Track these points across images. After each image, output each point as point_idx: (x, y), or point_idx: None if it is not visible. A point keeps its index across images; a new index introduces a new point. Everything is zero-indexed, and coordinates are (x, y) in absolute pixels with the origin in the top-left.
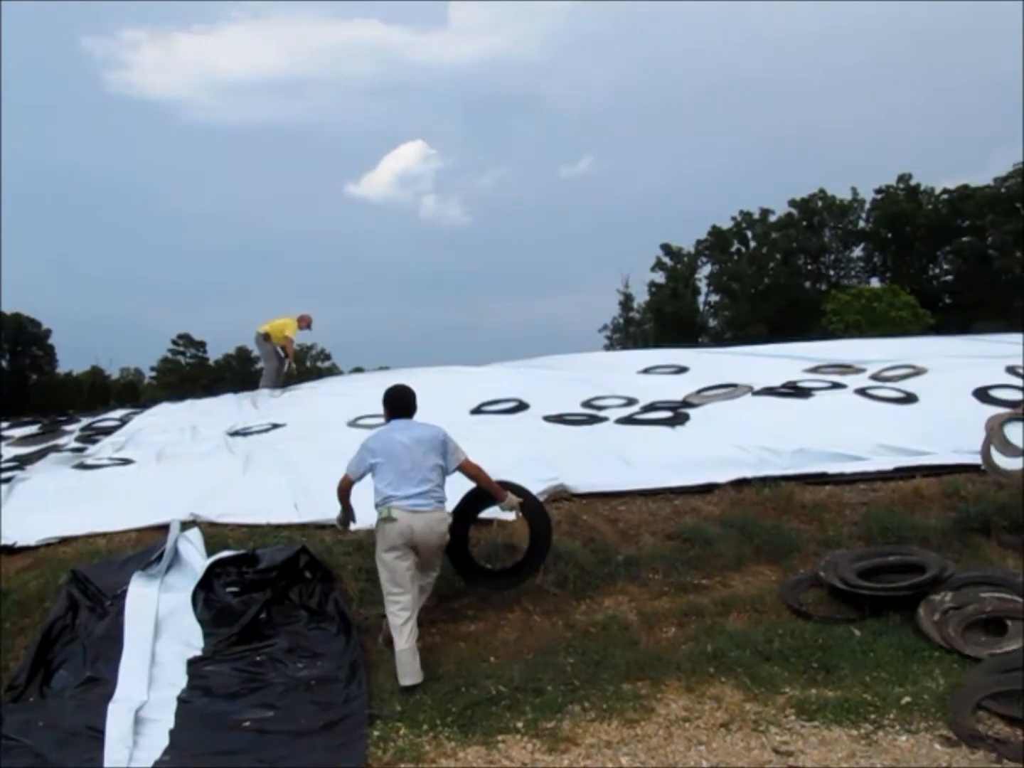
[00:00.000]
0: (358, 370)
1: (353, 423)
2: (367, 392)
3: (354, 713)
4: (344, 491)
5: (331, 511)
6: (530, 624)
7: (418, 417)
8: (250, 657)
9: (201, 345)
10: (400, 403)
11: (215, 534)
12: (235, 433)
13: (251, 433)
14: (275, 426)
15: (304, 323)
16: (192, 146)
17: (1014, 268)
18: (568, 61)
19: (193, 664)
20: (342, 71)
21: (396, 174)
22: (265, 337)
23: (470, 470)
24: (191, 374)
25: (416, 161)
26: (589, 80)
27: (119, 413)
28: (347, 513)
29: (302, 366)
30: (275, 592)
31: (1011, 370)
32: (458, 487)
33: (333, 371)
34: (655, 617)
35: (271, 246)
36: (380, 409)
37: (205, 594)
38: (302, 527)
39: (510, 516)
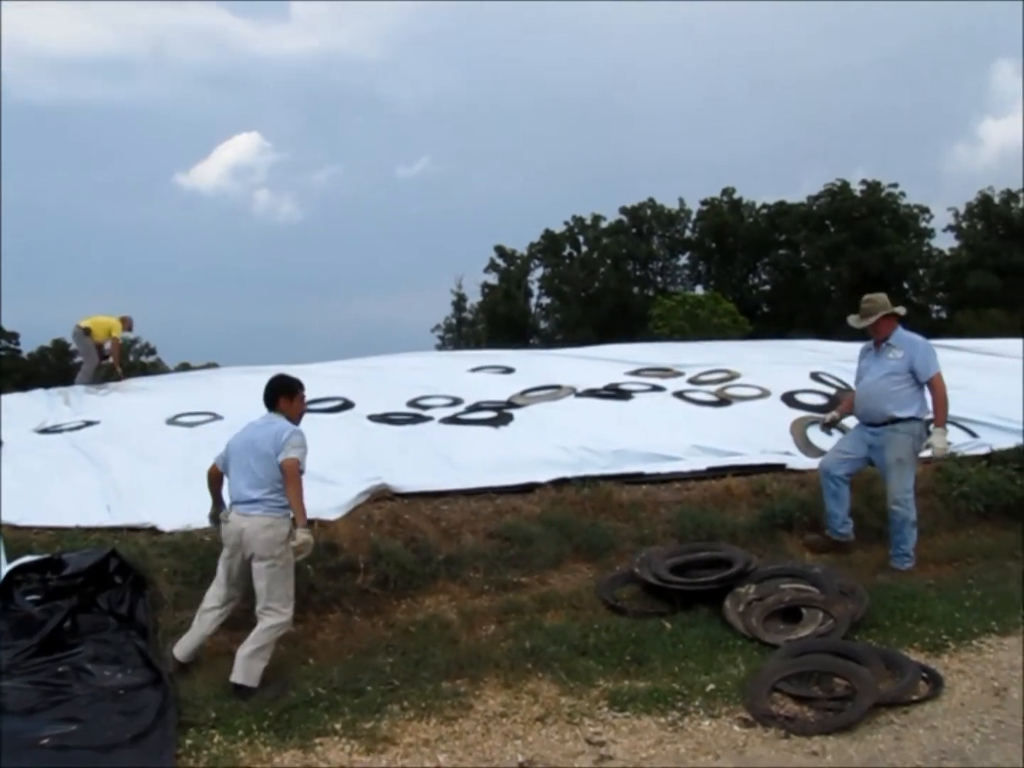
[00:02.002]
0: (185, 367)
1: (172, 421)
2: (189, 389)
3: (165, 722)
4: (209, 480)
5: (147, 513)
6: (350, 625)
7: (248, 416)
8: (51, 669)
9: (13, 336)
10: (264, 396)
11: (17, 538)
12: (44, 431)
13: (62, 431)
14: (88, 424)
15: (127, 325)
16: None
17: (824, 281)
18: (408, 61)
19: None
20: (174, 55)
21: (229, 166)
22: (86, 332)
23: (286, 471)
24: (1, 368)
25: (250, 153)
26: (428, 81)
27: None
28: (214, 506)
29: (124, 360)
30: (82, 599)
31: (815, 376)
32: None
33: (158, 367)
34: (475, 615)
35: (93, 235)
36: (202, 406)
37: (3, 604)
38: (114, 530)
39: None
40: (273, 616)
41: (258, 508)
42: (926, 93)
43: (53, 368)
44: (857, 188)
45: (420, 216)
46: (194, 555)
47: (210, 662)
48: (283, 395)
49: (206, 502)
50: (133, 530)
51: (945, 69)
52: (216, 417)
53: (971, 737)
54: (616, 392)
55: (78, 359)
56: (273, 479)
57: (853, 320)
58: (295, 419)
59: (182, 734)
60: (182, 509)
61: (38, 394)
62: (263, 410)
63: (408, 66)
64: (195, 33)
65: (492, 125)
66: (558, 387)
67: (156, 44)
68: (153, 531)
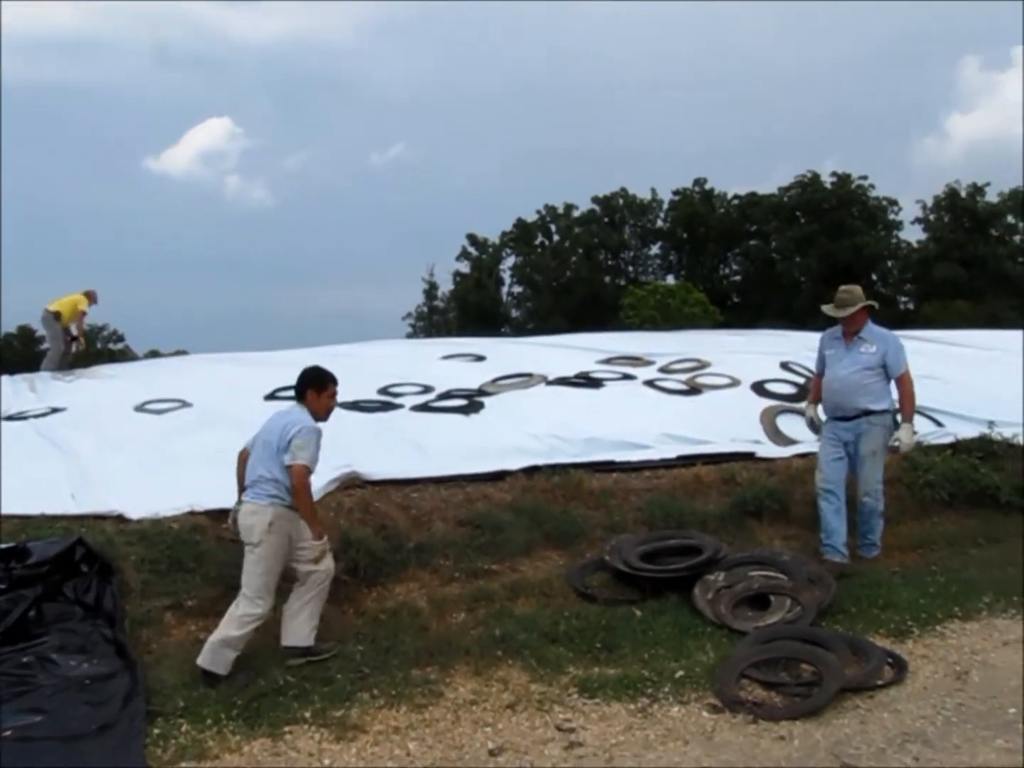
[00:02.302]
0: (154, 354)
1: (141, 408)
2: (158, 376)
3: (132, 711)
4: (238, 463)
5: (114, 501)
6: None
7: (217, 404)
8: (15, 659)
9: None
10: (295, 386)
11: None
12: (9, 418)
13: (27, 418)
14: (54, 410)
15: (92, 299)
16: None
17: (794, 272)
18: (381, 47)
19: None
20: (143, 37)
21: (199, 151)
22: (56, 316)
23: (292, 480)
24: None
25: (221, 139)
26: (402, 67)
27: None
28: (239, 492)
29: (92, 347)
30: (47, 588)
31: (784, 365)
32: None
33: (127, 354)
34: (445, 603)
35: (59, 220)
36: (171, 393)
37: None
38: (81, 518)
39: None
40: (246, 605)
41: (249, 494)
42: (896, 88)
43: (19, 355)
44: (828, 180)
45: (393, 203)
46: (162, 543)
47: (178, 651)
48: (312, 388)
49: (175, 489)
50: (100, 518)
51: (914, 65)
52: (185, 404)
53: (933, 720)
54: (587, 380)
55: (44, 346)
56: (272, 470)
57: (828, 309)
58: (321, 415)
59: (150, 723)
60: (150, 496)
61: (3, 381)
62: (232, 397)
63: (381, 52)
64: (164, 15)
65: (467, 112)
66: (529, 375)
67: (124, 25)
68: (120, 519)
